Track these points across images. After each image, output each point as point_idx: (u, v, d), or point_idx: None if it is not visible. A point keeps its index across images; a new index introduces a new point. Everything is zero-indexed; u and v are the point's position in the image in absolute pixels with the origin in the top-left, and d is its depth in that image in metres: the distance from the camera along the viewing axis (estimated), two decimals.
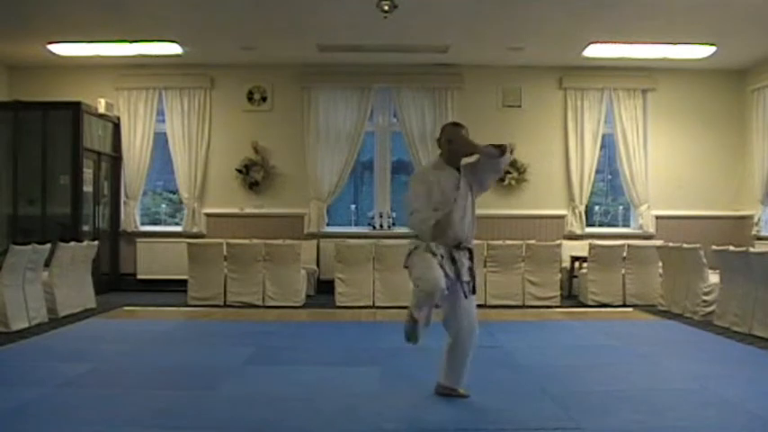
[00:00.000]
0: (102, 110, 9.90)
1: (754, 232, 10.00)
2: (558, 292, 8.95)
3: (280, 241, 9.17)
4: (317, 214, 10.25)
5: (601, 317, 8.09)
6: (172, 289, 9.56)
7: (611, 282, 8.94)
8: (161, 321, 7.60)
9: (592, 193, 10.57)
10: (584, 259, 9.23)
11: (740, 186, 10.37)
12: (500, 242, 9.11)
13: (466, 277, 4.25)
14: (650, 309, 8.49)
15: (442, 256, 4.14)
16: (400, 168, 10.81)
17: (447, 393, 4.33)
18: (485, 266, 8.90)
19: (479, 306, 8.92)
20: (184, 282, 8.92)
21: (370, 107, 10.39)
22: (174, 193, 10.79)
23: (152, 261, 10.24)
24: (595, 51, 9.39)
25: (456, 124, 4.53)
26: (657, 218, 10.35)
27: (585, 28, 8.55)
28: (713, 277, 7.58)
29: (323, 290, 9.57)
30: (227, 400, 4.31)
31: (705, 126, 10.42)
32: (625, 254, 9.03)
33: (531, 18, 8.17)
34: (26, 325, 6.82)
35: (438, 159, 4.41)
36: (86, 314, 7.82)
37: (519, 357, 5.65)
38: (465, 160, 4.38)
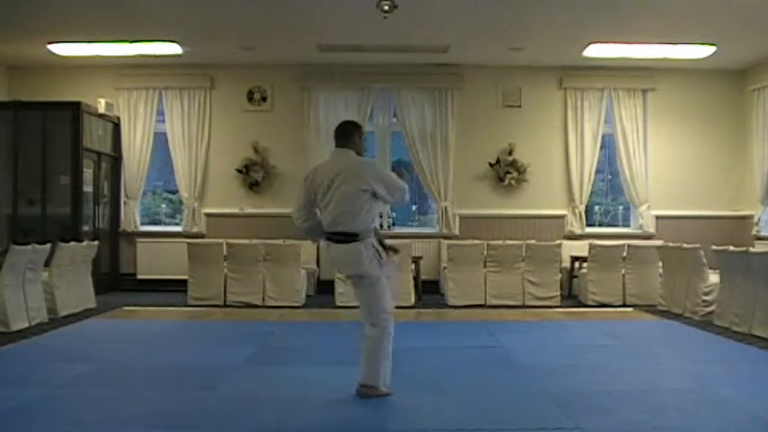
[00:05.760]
0: (102, 110, 9.89)
1: (754, 232, 9.99)
2: (558, 292, 8.95)
3: (280, 241, 9.16)
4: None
5: (601, 317, 8.09)
6: (172, 289, 9.55)
7: (611, 282, 8.93)
8: (161, 321, 7.61)
9: (592, 193, 10.56)
10: (584, 259, 9.23)
11: (740, 186, 10.36)
12: (500, 242, 9.10)
13: None
14: (650, 309, 8.48)
15: None
16: (400, 168, 10.80)
17: (366, 393, 4.26)
18: (485, 266, 8.91)
19: (480, 306, 8.98)
20: (184, 282, 8.92)
21: (370, 107, 10.37)
22: (174, 193, 10.79)
23: (152, 261, 10.23)
24: (595, 51, 9.39)
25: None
26: (657, 218, 10.34)
27: (585, 28, 8.54)
28: (713, 277, 7.58)
29: (323, 290, 9.56)
30: (227, 400, 4.31)
31: (705, 126, 10.41)
32: (625, 254, 9.02)
33: (531, 18, 8.17)
34: (26, 325, 6.82)
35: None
36: (86, 314, 7.82)
37: (519, 357, 5.65)
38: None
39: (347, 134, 4.41)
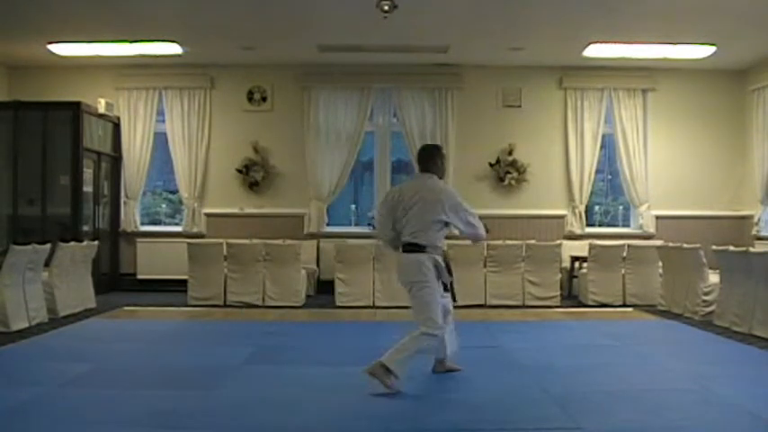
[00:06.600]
0: (102, 110, 9.90)
1: (754, 232, 9.99)
2: (558, 292, 8.95)
3: (280, 241, 9.17)
4: (316, 214, 10.25)
5: (601, 317, 8.09)
6: (172, 289, 9.54)
7: (611, 282, 8.93)
8: (161, 321, 7.61)
9: (592, 193, 10.56)
10: (584, 259, 9.23)
11: (740, 186, 10.36)
12: (500, 242, 9.08)
13: None
14: (650, 309, 8.48)
15: None
16: (400, 168, 10.81)
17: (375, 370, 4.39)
18: (485, 266, 8.91)
19: (480, 306, 8.99)
20: (184, 282, 8.92)
21: (370, 107, 10.38)
22: (174, 193, 10.79)
23: (152, 261, 10.24)
24: (595, 51, 9.39)
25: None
26: (657, 218, 10.34)
27: (585, 28, 8.54)
28: (713, 277, 7.58)
29: (323, 290, 9.56)
30: (227, 401, 4.31)
31: (705, 126, 10.41)
32: (625, 254, 9.02)
33: (531, 18, 8.17)
34: (26, 325, 6.81)
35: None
36: (86, 314, 7.82)
37: (519, 357, 5.65)
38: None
39: (431, 158, 4.72)
